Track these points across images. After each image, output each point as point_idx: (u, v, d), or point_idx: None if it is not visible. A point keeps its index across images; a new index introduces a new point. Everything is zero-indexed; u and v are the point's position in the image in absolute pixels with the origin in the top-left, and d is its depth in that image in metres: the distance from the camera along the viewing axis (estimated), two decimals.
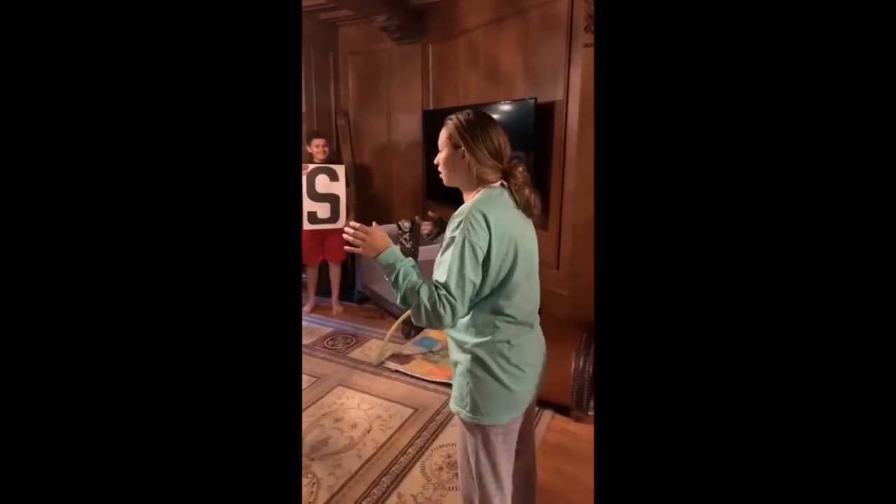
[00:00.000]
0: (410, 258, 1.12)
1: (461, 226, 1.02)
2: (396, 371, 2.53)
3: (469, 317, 1.11)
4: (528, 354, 1.14)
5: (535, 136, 2.62)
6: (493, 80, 3.05)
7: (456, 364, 1.16)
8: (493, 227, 1.02)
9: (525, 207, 1.13)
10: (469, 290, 1.03)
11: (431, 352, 2.71)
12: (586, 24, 2.28)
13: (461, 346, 1.14)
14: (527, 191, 1.11)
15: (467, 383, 1.12)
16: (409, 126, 3.77)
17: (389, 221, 3.59)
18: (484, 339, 1.10)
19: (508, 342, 1.10)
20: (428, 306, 1.01)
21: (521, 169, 1.13)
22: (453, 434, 2.02)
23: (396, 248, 1.11)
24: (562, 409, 2.14)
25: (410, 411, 2.18)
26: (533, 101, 2.60)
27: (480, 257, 1.03)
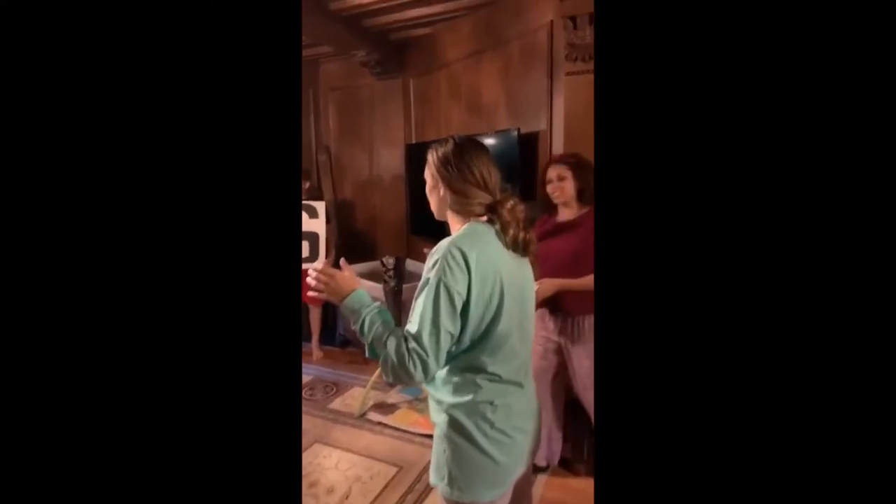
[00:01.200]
0: (378, 303, 0.97)
1: (436, 266, 0.88)
2: (380, 423, 2.33)
3: (446, 372, 0.95)
4: (516, 417, 0.97)
5: (519, 167, 2.52)
6: (475, 113, 2.98)
7: (434, 425, 1.00)
8: (474, 267, 0.88)
9: (514, 247, 0.97)
10: (444, 343, 0.88)
11: (418, 399, 2.52)
12: (567, 53, 2.21)
13: (438, 404, 0.98)
14: (512, 230, 0.96)
15: (444, 451, 0.95)
16: (391, 160, 3.68)
17: (374, 258, 3.45)
18: (463, 399, 0.93)
19: (492, 403, 0.94)
20: (395, 360, 0.87)
21: (509, 205, 0.97)
22: None
23: (363, 293, 0.97)
24: (559, 462, 1.95)
25: (394, 470, 1.98)
26: (516, 131, 2.51)
27: (458, 303, 0.87)
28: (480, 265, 0.89)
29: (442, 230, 1.03)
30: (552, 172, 1.78)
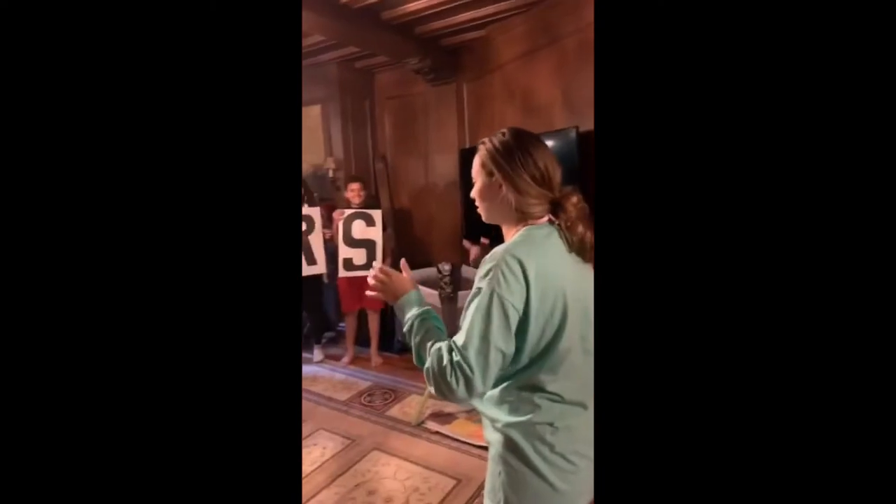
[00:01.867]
0: (429, 307, 0.92)
1: (490, 275, 0.80)
2: (437, 433, 2.30)
3: (501, 390, 0.88)
4: (579, 442, 0.87)
5: (579, 166, 2.41)
6: (530, 113, 2.90)
7: (488, 444, 0.93)
8: (534, 279, 0.80)
9: (579, 249, 0.87)
10: (494, 361, 0.80)
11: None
12: None
13: (492, 422, 0.90)
14: (580, 227, 0.86)
15: (499, 473, 0.88)
16: (446, 166, 3.67)
17: (430, 265, 3.45)
18: (520, 419, 0.86)
19: (552, 424, 0.86)
20: (436, 370, 0.80)
21: (574, 199, 0.88)
22: None
23: (417, 294, 0.92)
24: None
25: (452, 483, 1.93)
26: (574, 130, 2.41)
27: (514, 319, 0.80)
28: (540, 276, 0.81)
29: (494, 235, 0.96)
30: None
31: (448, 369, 0.79)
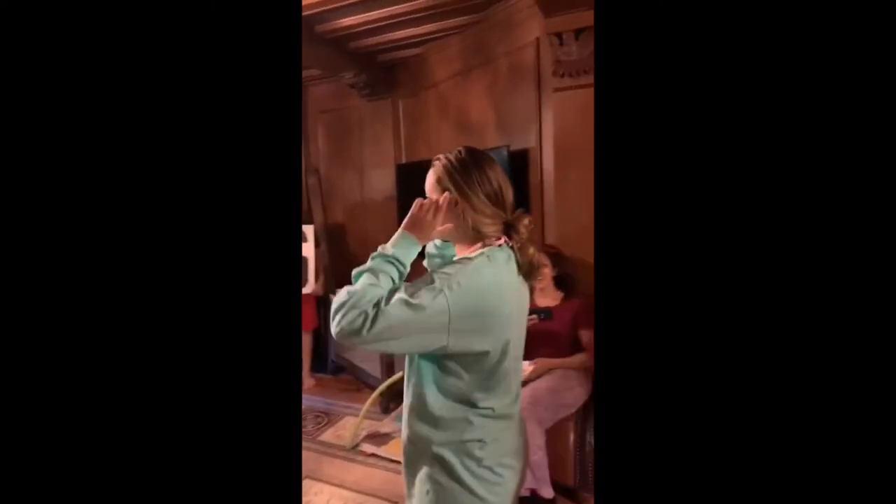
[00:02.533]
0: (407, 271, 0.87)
1: (447, 278, 0.80)
2: (373, 455, 2.23)
3: (434, 408, 0.86)
4: (506, 454, 0.89)
5: (511, 184, 2.47)
6: (464, 131, 2.95)
7: (411, 464, 0.92)
8: (486, 306, 0.81)
9: (528, 272, 0.89)
10: (404, 334, 0.78)
11: None
12: (554, 69, 2.19)
13: (420, 442, 0.89)
14: (531, 249, 0.89)
15: (427, 492, 0.87)
16: (382, 181, 3.64)
17: None
18: (451, 438, 0.85)
19: (481, 440, 0.86)
20: (356, 296, 0.77)
21: (526, 221, 0.89)
22: None
23: (417, 249, 0.87)
24: (563, 491, 1.85)
25: None
26: (506, 148, 2.48)
27: (443, 323, 0.78)
28: (492, 299, 0.82)
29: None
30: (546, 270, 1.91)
31: (366, 304, 0.76)
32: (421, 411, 0.88)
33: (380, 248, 0.86)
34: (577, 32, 2.09)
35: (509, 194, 0.89)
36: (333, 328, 0.79)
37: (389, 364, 2.67)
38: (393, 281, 0.83)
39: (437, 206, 0.88)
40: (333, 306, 0.79)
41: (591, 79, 2.12)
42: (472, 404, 0.86)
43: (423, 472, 0.89)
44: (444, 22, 2.72)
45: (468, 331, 0.81)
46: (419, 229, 0.87)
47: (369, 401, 2.42)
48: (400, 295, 0.78)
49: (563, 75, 2.17)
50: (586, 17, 2.06)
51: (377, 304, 0.77)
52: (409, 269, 0.86)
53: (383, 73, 3.43)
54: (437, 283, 0.80)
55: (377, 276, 0.82)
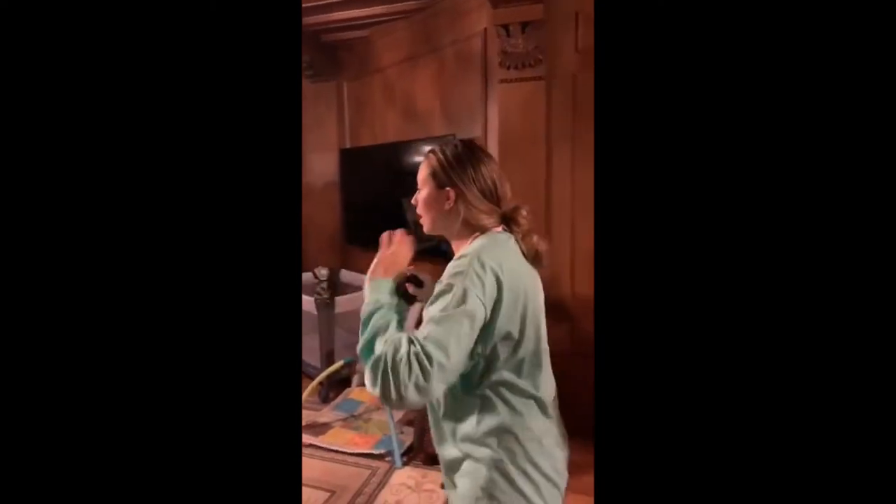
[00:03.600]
0: (398, 300, 0.84)
1: (459, 276, 0.77)
2: (310, 445, 2.19)
3: (466, 396, 0.83)
4: (556, 452, 0.86)
5: None
6: (410, 118, 2.93)
7: (458, 473, 0.86)
8: (505, 282, 0.79)
9: (534, 258, 0.88)
10: (454, 357, 0.73)
11: (353, 416, 2.40)
12: (500, 60, 2.22)
13: (458, 437, 0.85)
14: (534, 238, 0.88)
15: (478, 498, 0.82)
16: (324, 166, 3.54)
17: (305, 269, 3.28)
18: (490, 423, 0.82)
19: (532, 433, 0.83)
20: (389, 361, 0.70)
21: (524, 213, 0.89)
22: None
23: (395, 286, 0.84)
24: None
25: (326, 495, 1.85)
26: (453, 137, 2.49)
27: (481, 318, 0.76)
28: (509, 279, 0.80)
29: (377, 239, 0.92)
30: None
31: (403, 360, 0.70)
32: (453, 403, 0.85)
33: (362, 313, 0.81)
34: (524, 25, 2.12)
35: (505, 188, 0.89)
36: (398, 404, 0.72)
37: (329, 353, 2.62)
38: (399, 324, 0.79)
39: (399, 240, 0.88)
40: (370, 381, 0.74)
41: (536, 71, 2.17)
42: (506, 385, 0.82)
43: (470, 480, 0.83)
44: (391, 5, 2.68)
45: (503, 312, 0.79)
46: (382, 268, 0.86)
47: (307, 390, 2.37)
48: (427, 328, 0.74)
49: (509, 67, 2.21)
50: (534, 11, 2.10)
51: (409, 354, 0.71)
52: (396, 298, 0.84)
53: (328, 54, 3.32)
54: (456, 286, 0.76)
55: (387, 328, 0.77)
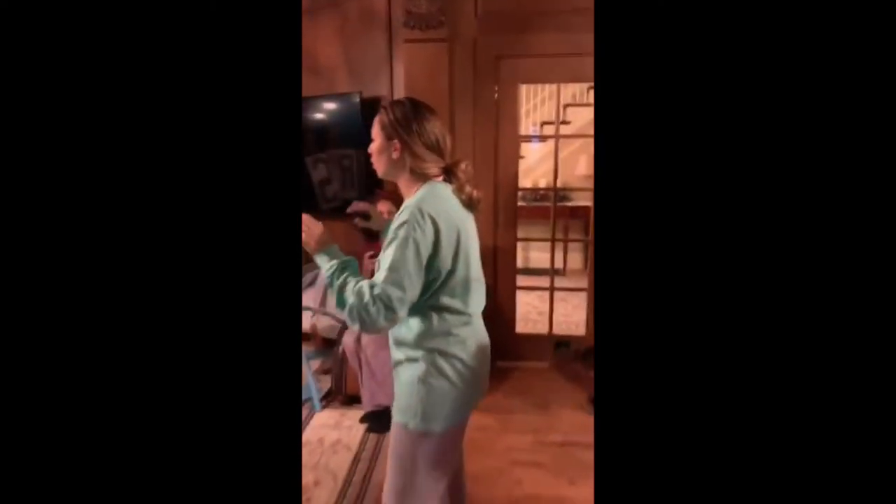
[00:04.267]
0: (352, 257, 1.01)
1: (405, 225, 0.94)
2: None
3: (418, 315, 1.01)
4: (476, 349, 1.08)
5: (363, 131, 2.55)
6: (313, 73, 2.88)
7: (403, 370, 1.05)
8: (442, 226, 0.95)
9: (468, 204, 1.06)
10: (409, 290, 0.93)
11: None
12: (405, 21, 2.30)
13: (403, 343, 1.04)
14: (468, 187, 1.05)
15: (417, 392, 1.01)
16: None
17: None
18: (435, 337, 1.01)
19: (450, 333, 1.02)
20: (359, 306, 0.92)
21: (463, 166, 1.06)
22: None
23: (336, 247, 1.03)
24: None
25: None
26: (358, 95, 2.53)
27: (425, 256, 0.95)
28: (444, 222, 0.96)
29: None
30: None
31: (370, 303, 0.91)
32: (409, 323, 1.03)
33: (325, 279, 1.01)
34: None
35: (447, 143, 1.05)
36: (377, 332, 0.96)
37: None
38: (354, 275, 0.98)
39: (307, 223, 1.03)
40: (350, 322, 0.94)
41: (440, 33, 2.29)
42: (447, 308, 1.01)
43: (411, 376, 1.03)
44: None
45: (441, 250, 0.96)
46: (315, 244, 1.02)
47: None
48: (384, 272, 0.93)
49: (413, 27, 2.30)
50: None
51: (374, 297, 0.91)
52: (344, 257, 1.02)
53: None
54: (402, 234, 0.93)
55: (348, 281, 0.96)
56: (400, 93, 2.46)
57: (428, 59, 2.33)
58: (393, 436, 1.07)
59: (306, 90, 2.89)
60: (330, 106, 2.69)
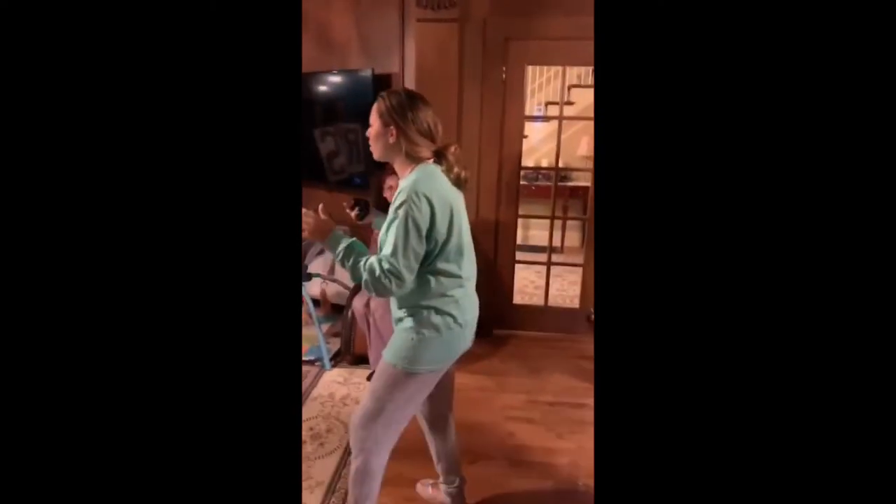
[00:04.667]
0: (354, 238, 1.18)
1: (404, 205, 1.08)
2: None
3: (416, 278, 1.16)
4: (467, 307, 1.24)
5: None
6: (325, 49, 2.96)
7: (399, 321, 1.22)
8: (435, 202, 1.10)
9: (457, 183, 1.21)
10: (413, 260, 1.10)
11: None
12: (418, 0, 2.38)
13: (410, 307, 1.20)
14: (457, 168, 1.20)
15: (411, 339, 1.18)
16: None
17: None
18: (430, 296, 1.17)
19: (445, 294, 1.18)
20: (373, 280, 1.09)
21: (452, 149, 1.21)
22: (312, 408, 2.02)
23: (341, 231, 1.19)
24: None
25: None
26: (370, 72, 2.62)
27: (423, 230, 1.10)
28: (438, 198, 1.11)
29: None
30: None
31: (382, 276, 1.09)
32: (406, 301, 1.20)
33: (338, 261, 1.18)
34: None
35: (438, 129, 1.20)
36: (383, 297, 1.16)
37: None
38: (362, 253, 1.15)
39: (308, 216, 1.17)
40: (367, 291, 1.13)
41: (451, 13, 2.38)
42: (442, 272, 1.17)
43: (406, 326, 1.19)
44: None
45: (436, 223, 1.11)
46: (320, 232, 1.17)
47: None
48: (390, 247, 1.09)
49: (425, 7, 2.38)
50: None
51: (384, 271, 1.08)
52: (348, 239, 1.18)
53: None
54: (402, 213, 1.08)
55: (359, 260, 1.14)
56: (410, 70, 2.55)
57: (439, 38, 2.42)
58: (379, 370, 1.24)
59: (318, 65, 2.98)
60: (341, 80, 2.78)
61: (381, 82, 2.67)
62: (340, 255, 1.15)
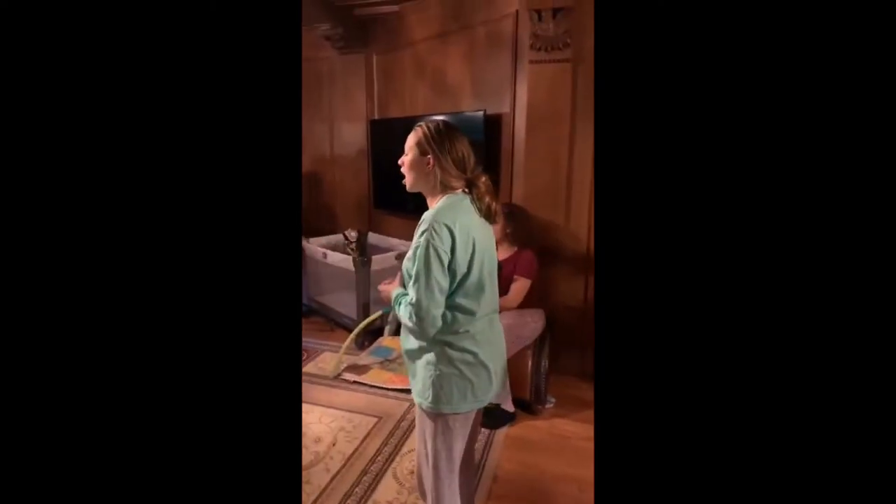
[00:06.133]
0: (402, 289, 1.20)
1: (425, 234, 1.08)
2: (355, 382, 2.50)
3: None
4: (486, 345, 1.20)
5: (484, 146, 2.72)
6: (440, 92, 3.13)
7: (417, 357, 1.20)
8: (457, 233, 1.09)
9: (486, 214, 1.19)
10: (437, 293, 1.09)
11: (388, 360, 2.71)
12: (531, 43, 2.42)
13: (421, 338, 1.18)
14: (488, 199, 1.18)
15: (430, 376, 1.16)
16: (353, 135, 3.75)
17: (334, 231, 3.54)
18: (448, 333, 1.15)
19: (467, 331, 1.15)
20: (410, 324, 1.12)
21: (484, 179, 1.19)
22: None
23: (400, 290, 1.22)
24: (520, 404, 2.23)
25: (374, 420, 2.17)
26: (482, 113, 2.71)
27: (446, 261, 1.09)
28: (460, 230, 1.09)
29: (403, 205, 1.20)
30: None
31: (406, 315, 1.12)
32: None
33: (392, 302, 1.23)
34: (555, 11, 2.33)
35: (472, 160, 1.19)
36: (417, 333, 1.16)
37: (365, 305, 2.91)
38: (404, 297, 1.18)
39: (386, 289, 1.27)
40: (408, 325, 1.16)
41: (564, 54, 2.38)
42: (460, 308, 1.14)
43: (426, 362, 1.17)
44: None
45: (457, 254, 1.10)
46: (392, 289, 1.24)
47: (351, 337, 2.67)
48: (411, 287, 1.12)
49: (539, 49, 2.42)
50: None
51: (410, 305, 1.11)
52: (401, 292, 1.21)
53: (359, 27, 3.48)
54: (424, 239, 1.08)
55: (400, 307, 1.17)
56: (522, 111, 2.59)
57: (552, 78, 2.43)
58: (416, 410, 1.25)
59: (432, 107, 3.15)
60: (457, 123, 2.90)
61: (492, 123, 2.74)
62: (395, 301, 1.19)
